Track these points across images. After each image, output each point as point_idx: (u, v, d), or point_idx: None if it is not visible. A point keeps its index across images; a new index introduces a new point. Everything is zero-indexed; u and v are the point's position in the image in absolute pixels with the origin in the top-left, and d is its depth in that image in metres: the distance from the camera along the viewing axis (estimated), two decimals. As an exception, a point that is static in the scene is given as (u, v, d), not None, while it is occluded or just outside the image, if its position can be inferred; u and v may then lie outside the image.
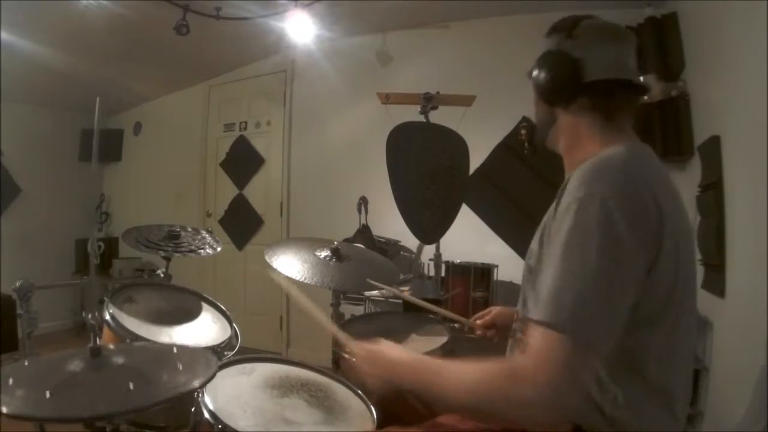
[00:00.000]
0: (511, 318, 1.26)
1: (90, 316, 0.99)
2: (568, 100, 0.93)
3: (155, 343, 1.37)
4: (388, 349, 0.95)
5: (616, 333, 0.73)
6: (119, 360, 0.93)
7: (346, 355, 1.00)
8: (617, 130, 0.91)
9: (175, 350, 1.04)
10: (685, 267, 0.81)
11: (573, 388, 0.72)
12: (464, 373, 0.80)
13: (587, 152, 0.90)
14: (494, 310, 1.33)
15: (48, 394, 0.78)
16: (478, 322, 1.34)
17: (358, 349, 0.99)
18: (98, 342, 0.93)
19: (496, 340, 1.33)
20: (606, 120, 0.91)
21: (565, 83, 0.91)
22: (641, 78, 2.11)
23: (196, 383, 0.87)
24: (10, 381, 0.83)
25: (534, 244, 0.93)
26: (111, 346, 1.01)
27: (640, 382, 0.79)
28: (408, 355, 0.93)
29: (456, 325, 1.50)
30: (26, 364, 0.97)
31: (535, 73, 0.97)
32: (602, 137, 0.90)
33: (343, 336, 1.06)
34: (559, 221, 0.78)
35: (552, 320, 0.72)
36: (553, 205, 0.85)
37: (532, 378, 0.71)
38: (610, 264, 0.72)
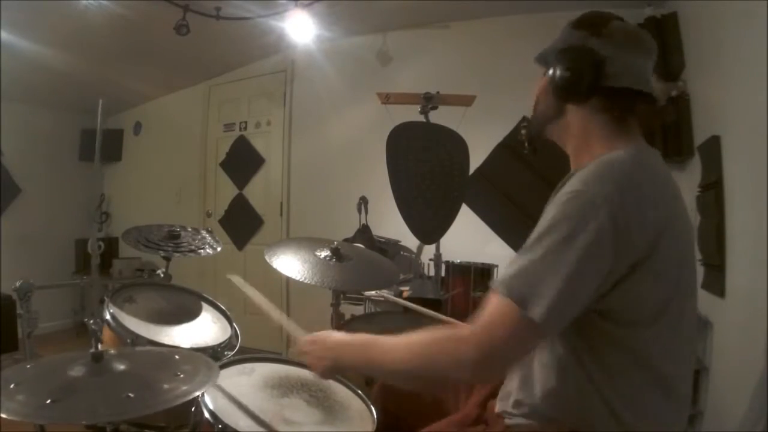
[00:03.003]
0: None
1: (92, 321, 0.98)
2: (583, 99, 0.90)
3: (157, 346, 1.37)
4: (330, 334, 0.99)
5: (566, 322, 0.76)
6: (120, 366, 0.93)
7: (301, 348, 1.03)
8: (625, 133, 0.89)
9: (177, 357, 1.04)
10: (686, 269, 0.81)
11: (508, 356, 0.77)
12: (408, 340, 0.83)
13: (594, 153, 0.89)
14: None
15: (49, 400, 0.78)
16: None
17: (304, 339, 1.02)
18: (99, 346, 0.93)
19: None
20: (617, 122, 0.89)
21: (585, 82, 0.88)
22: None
23: (197, 392, 0.87)
24: (12, 385, 0.83)
25: None
26: (112, 351, 1.01)
27: (645, 382, 0.79)
28: (350, 336, 0.96)
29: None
30: (28, 367, 0.97)
31: (552, 65, 0.93)
32: (611, 140, 0.89)
33: (293, 328, 1.10)
34: (547, 208, 0.79)
35: (509, 292, 0.74)
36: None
37: (476, 338, 0.76)
38: (581, 256, 0.72)
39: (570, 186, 0.78)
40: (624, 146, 0.86)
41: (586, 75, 0.87)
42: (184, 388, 0.87)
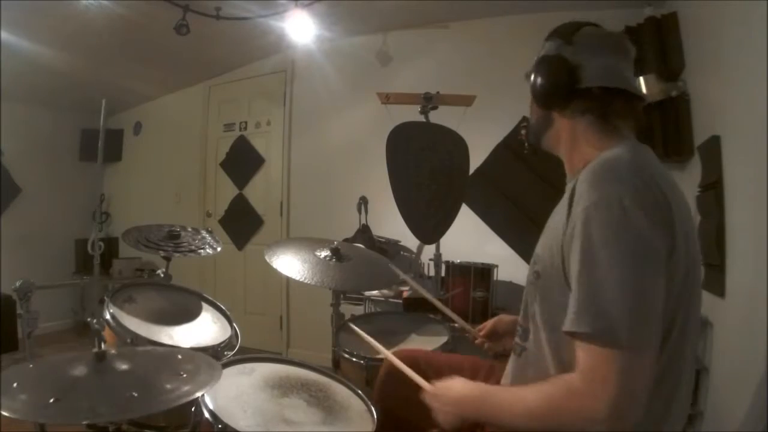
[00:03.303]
0: (510, 324, 1.28)
1: (95, 320, 0.98)
2: (563, 104, 0.94)
3: (159, 346, 1.37)
4: (453, 383, 0.95)
5: (659, 327, 0.73)
6: (123, 366, 0.93)
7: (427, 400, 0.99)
8: (614, 133, 0.91)
9: (179, 356, 1.04)
10: (692, 264, 0.82)
11: (634, 396, 0.71)
12: (524, 399, 0.80)
13: (586, 155, 0.91)
14: (494, 318, 1.35)
15: (51, 400, 0.78)
16: (481, 333, 1.36)
17: (429, 389, 0.99)
18: (103, 346, 0.93)
19: (491, 353, 1.36)
20: (603, 123, 0.92)
21: (559, 88, 0.92)
22: (642, 85, 2.12)
23: (199, 392, 0.87)
24: (14, 384, 0.83)
25: (540, 250, 0.91)
26: (115, 351, 1.01)
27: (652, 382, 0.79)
28: (470, 387, 0.93)
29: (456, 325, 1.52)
30: (30, 366, 0.97)
31: (531, 77, 0.97)
32: (600, 140, 0.91)
33: (421, 380, 1.05)
34: (577, 228, 0.76)
35: (595, 331, 0.71)
36: (564, 212, 0.83)
37: (591, 394, 0.71)
38: (638, 263, 0.72)
39: (585, 198, 0.77)
40: (615, 145, 0.87)
41: (560, 81, 0.91)
42: (187, 388, 0.87)
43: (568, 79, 0.90)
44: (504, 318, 1.33)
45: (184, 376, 0.92)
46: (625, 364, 0.70)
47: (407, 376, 1.09)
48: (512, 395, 0.84)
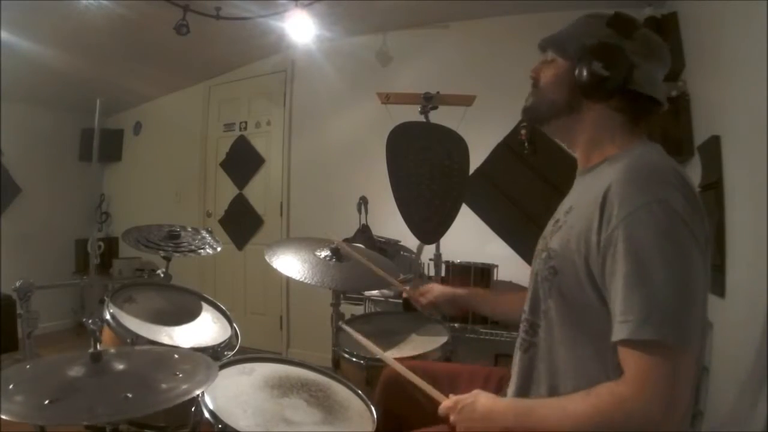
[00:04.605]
0: (451, 300, 1.39)
1: (90, 320, 0.99)
2: (607, 98, 0.90)
3: (156, 346, 1.37)
4: (476, 400, 0.91)
5: (700, 328, 0.76)
6: (119, 366, 0.93)
7: (444, 412, 0.96)
8: (634, 133, 0.92)
9: (176, 356, 1.04)
10: (708, 264, 0.83)
11: (682, 395, 0.72)
12: (570, 413, 0.78)
13: (605, 151, 0.91)
14: (435, 291, 1.42)
15: (47, 401, 0.78)
16: (421, 298, 1.45)
17: (452, 405, 0.95)
18: (98, 346, 0.93)
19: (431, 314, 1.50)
20: (633, 124, 0.92)
21: (616, 82, 0.88)
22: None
23: (196, 391, 0.87)
24: (11, 386, 0.83)
25: (556, 245, 0.88)
26: (112, 351, 1.01)
27: None
28: (500, 402, 0.90)
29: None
30: (27, 367, 0.97)
31: (582, 58, 0.90)
32: (624, 139, 0.91)
33: (437, 394, 1.01)
34: (622, 231, 0.75)
35: (662, 339, 0.70)
36: (594, 210, 0.80)
37: (642, 399, 0.71)
38: (690, 265, 0.73)
39: (631, 201, 0.75)
40: (637, 144, 0.88)
41: (617, 75, 0.87)
42: (184, 387, 0.87)
43: (624, 77, 0.87)
44: (445, 293, 1.41)
45: (180, 375, 0.92)
46: (675, 365, 0.71)
47: (412, 381, 1.06)
48: (554, 408, 0.81)
